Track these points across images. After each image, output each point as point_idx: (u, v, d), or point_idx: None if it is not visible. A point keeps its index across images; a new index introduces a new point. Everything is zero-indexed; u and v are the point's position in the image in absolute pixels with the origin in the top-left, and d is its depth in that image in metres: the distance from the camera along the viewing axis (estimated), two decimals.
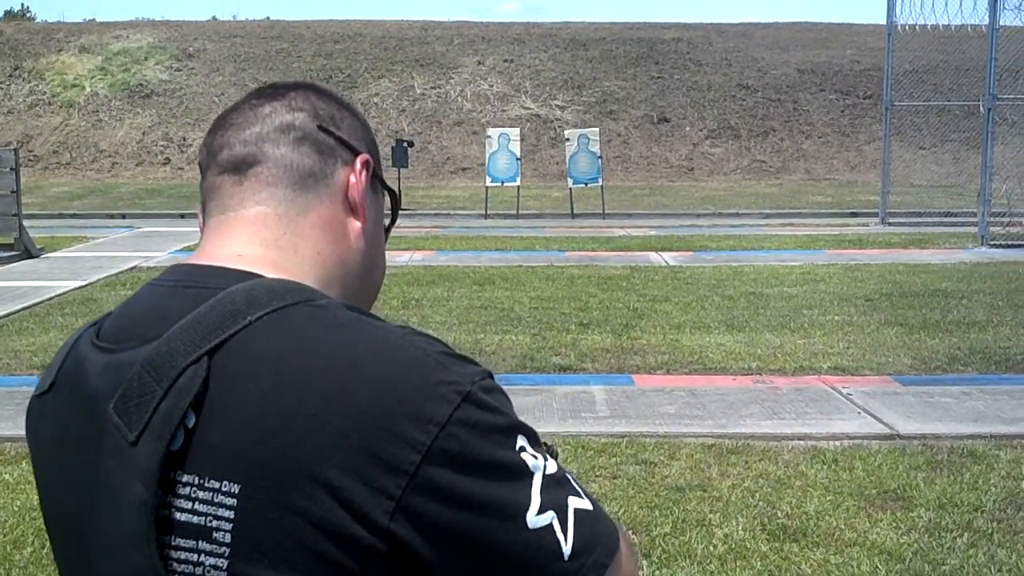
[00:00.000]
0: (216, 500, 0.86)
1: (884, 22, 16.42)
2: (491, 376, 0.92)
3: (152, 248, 13.08)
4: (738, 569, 3.74)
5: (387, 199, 1.16)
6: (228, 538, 0.85)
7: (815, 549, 3.91)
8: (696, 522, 4.17)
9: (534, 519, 0.87)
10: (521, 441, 0.90)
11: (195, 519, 0.86)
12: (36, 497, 4.19)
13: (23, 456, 4.90)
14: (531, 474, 0.89)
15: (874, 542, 3.97)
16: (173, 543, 0.87)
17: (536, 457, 0.90)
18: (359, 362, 0.88)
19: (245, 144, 1.04)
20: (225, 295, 0.93)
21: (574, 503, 0.91)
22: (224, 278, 0.97)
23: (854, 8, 58.26)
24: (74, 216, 17.53)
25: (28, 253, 12.14)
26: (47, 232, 14.09)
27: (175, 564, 0.87)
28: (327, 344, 0.89)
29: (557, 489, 0.90)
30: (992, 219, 13.29)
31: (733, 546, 3.93)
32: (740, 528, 4.10)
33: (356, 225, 1.07)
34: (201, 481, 0.86)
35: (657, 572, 3.71)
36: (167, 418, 0.87)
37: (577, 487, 0.92)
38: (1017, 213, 13.62)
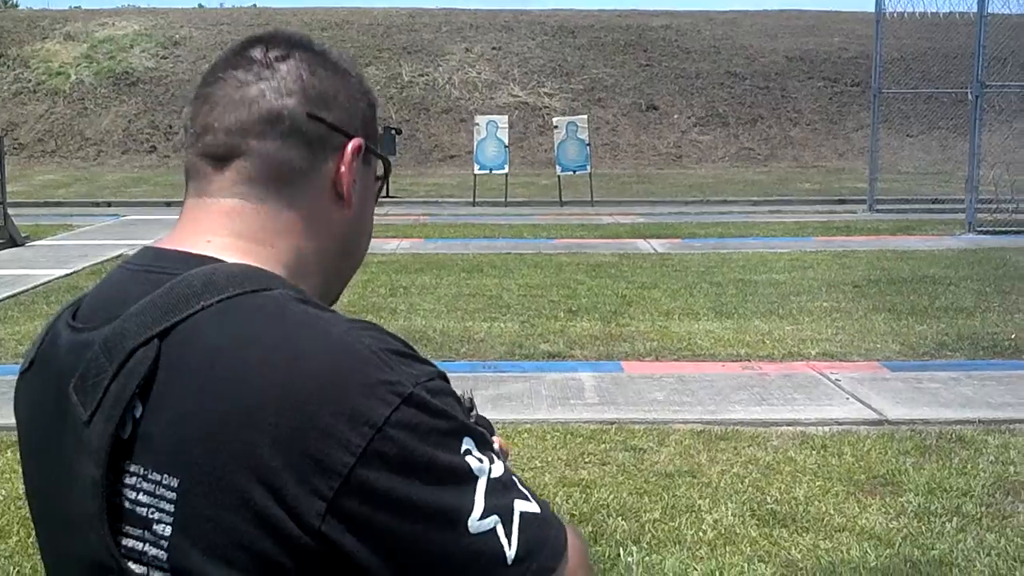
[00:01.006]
0: (158, 493, 0.85)
1: (872, 9, 16.41)
2: (442, 377, 0.89)
3: (138, 236, 12.99)
4: (728, 554, 3.74)
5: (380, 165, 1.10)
6: (168, 531, 0.85)
7: (804, 534, 3.91)
8: (685, 508, 4.16)
9: (476, 524, 0.85)
10: (466, 444, 0.87)
11: (139, 509, 0.86)
12: (21, 487, 4.15)
13: (7, 445, 4.87)
14: (475, 478, 0.86)
15: (863, 527, 3.97)
16: (124, 530, 0.87)
17: (482, 460, 0.87)
18: (297, 357, 0.85)
19: (228, 134, 0.99)
20: (183, 278, 0.91)
21: (520, 506, 0.88)
22: (187, 264, 0.95)
23: None
24: (59, 204, 17.42)
25: (13, 241, 12.07)
26: (32, 220, 14.01)
27: (125, 550, 0.87)
28: (268, 337, 0.87)
29: (503, 493, 0.87)
30: (979, 206, 13.32)
31: (723, 531, 3.93)
32: (729, 513, 4.09)
33: (342, 214, 1.03)
34: (145, 472, 0.86)
35: (647, 558, 3.70)
36: (116, 400, 0.87)
37: (524, 490, 0.90)
38: (1004, 200, 13.66)
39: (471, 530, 0.85)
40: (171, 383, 0.86)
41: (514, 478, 0.90)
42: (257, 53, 1.01)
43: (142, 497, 0.86)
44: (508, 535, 0.86)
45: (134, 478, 0.86)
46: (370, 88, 1.08)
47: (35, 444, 0.99)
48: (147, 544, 0.86)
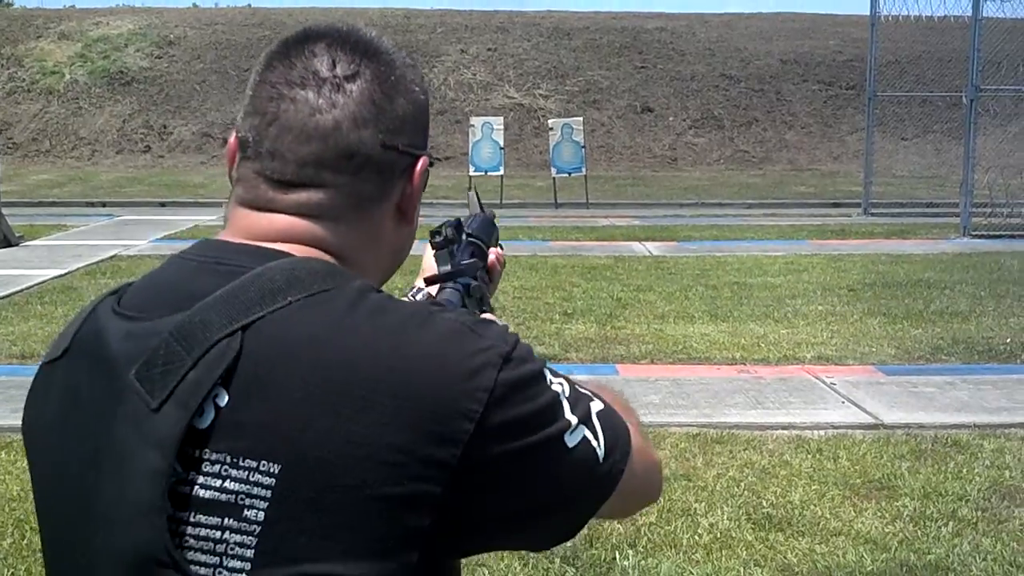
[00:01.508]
0: (252, 479, 0.85)
1: (867, 13, 16.45)
2: (510, 331, 0.96)
3: (133, 236, 12.97)
4: (723, 558, 3.74)
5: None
6: (261, 516, 0.85)
7: (800, 538, 3.91)
8: (681, 511, 4.16)
9: (570, 438, 0.94)
10: (549, 376, 0.96)
11: (223, 496, 0.86)
12: (15, 488, 4.12)
13: (2, 447, 4.85)
14: (563, 402, 0.95)
15: (859, 531, 3.97)
16: (192, 519, 0.86)
17: (561, 384, 0.96)
18: (400, 341, 0.90)
19: (302, 166, 0.98)
20: (264, 271, 0.92)
21: (593, 408, 0.98)
22: (262, 258, 0.95)
23: None
24: (53, 204, 17.37)
25: (7, 241, 12.03)
26: (26, 220, 13.95)
27: (191, 540, 0.86)
28: (367, 326, 0.90)
29: (579, 403, 0.97)
30: (974, 210, 13.33)
31: (718, 535, 3.93)
32: (725, 517, 4.09)
33: (402, 229, 1.07)
34: (235, 460, 0.86)
35: (643, 562, 3.70)
36: (195, 389, 0.86)
37: (587, 392, 1.00)
38: (999, 204, 13.68)
39: (569, 445, 0.94)
40: (266, 371, 0.87)
41: (577, 385, 1.00)
42: (324, 68, 0.99)
43: (229, 484, 0.86)
44: (596, 436, 0.96)
45: (218, 466, 0.86)
46: (423, 78, 1.09)
47: (66, 438, 0.96)
48: (228, 531, 0.86)
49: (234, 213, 1.01)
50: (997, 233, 13.01)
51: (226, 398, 0.87)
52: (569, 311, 8.16)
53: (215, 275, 0.93)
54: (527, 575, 3.58)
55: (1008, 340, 7.14)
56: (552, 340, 7.12)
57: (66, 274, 9.97)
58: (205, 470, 0.86)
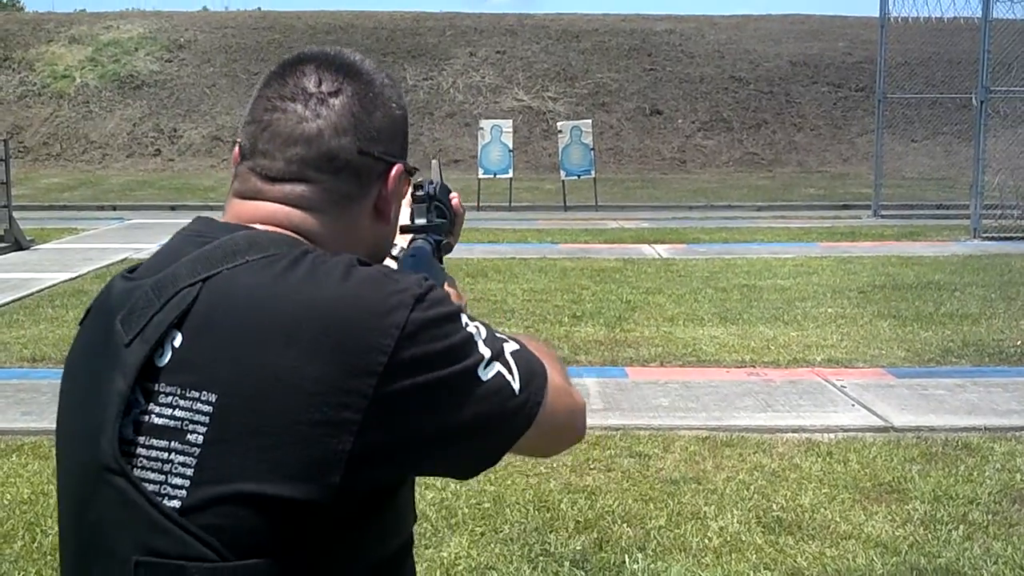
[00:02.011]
0: (195, 407, 0.99)
1: (877, 14, 16.39)
2: (428, 278, 1.08)
3: (143, 240, 13.00)
4: (733, 562, 3.73)
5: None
6: (200, 440, 0.98)
7: (810, 542, 3.90)
8: (691, 515, 4.15)
9: (483, 371, 1.05)
10: (464, 319, 1.08)
11: (172, 423, 0.99)
12: (26, 491, 4.14)
13: (13, 450, 4.86)
14: (476, 341, 1.06)
15: (869, 535, 3.96)
16: (146, 443, 1.00)
17: (477, 327, 1.08)
18: (322, 287, 1.02)
19: (288, 163, 1.13)
20: (232, 236, 1.09)
21: (508, 348, 1.10)
22: (233, 231, 1.11)
23: (847, 0, 58.22)
24: (64, 208, 17.44)
25: (18, 245, 12.08)
26: (37, 224, 14.00)
27: (144, 460, 1.00)
28: (299, 277, 1.03)
29: (493, 341, 1.09)
30: (984, 212, 13.28)
31: (728, 539, 3.92)
32: (735, 521, 4.08)
33: (379, 227, 1.20)
34: (183, 391, 1.00)
35: (652, 565, 3.70)
36: (157, 327, 1.02)
37: (503, 336, 1.12)
38: (1009, 206, 13.63)
39: (483, 378, 1.05)
40: (212, 317, 1.02)
41: (494, 330, 1.12)
42: (311, 85, 1.14)
43: (177, 412, 1.00)
44: (510, 371, 1.07)
45: (169, 397, 1.00)
46: (402, 96, 1.23)
47: (76, 372, 1.12)
48: (172, 452, 0.99)
49: (229, 203, 1.17)
50: (1007, 235, 12.96)
51: (180, 339, 1.01)
52: (578, 313, 8.15)
53: (197, 245, 1.09)
54: None
55: (1019, 342, 7.12)
56: (561, 343, 7.12)
57: (76, 277, 10.01)
58: (160, 401, 1.00)
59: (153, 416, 1.00)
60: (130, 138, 25.32)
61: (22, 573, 3.69)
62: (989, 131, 13.50)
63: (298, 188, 1.13)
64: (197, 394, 0.99)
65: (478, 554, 3.80)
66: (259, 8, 36.10)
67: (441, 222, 1.56)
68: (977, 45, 13.41)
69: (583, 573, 3.64)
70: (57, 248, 12.40)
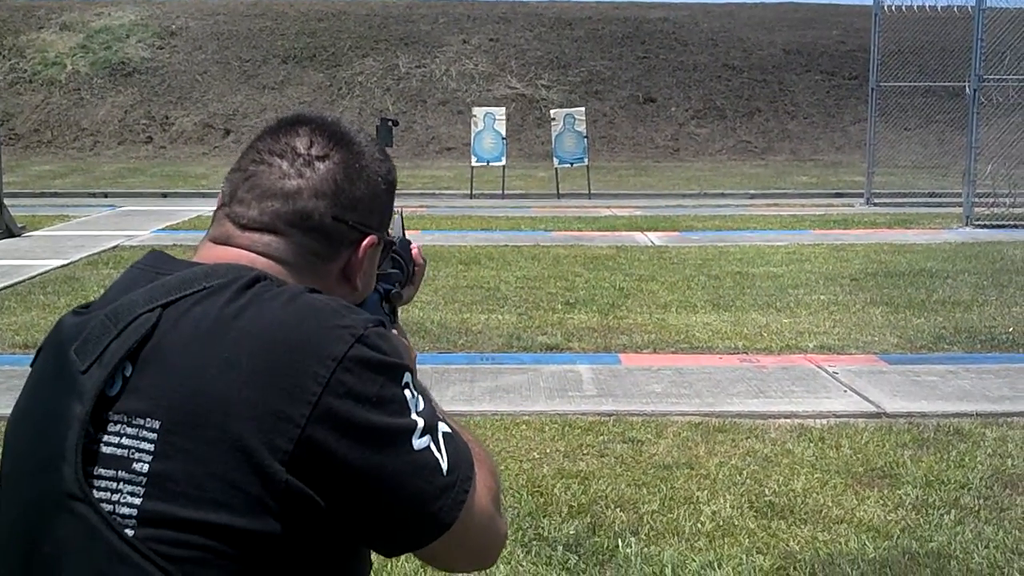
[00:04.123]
0: (140, 435, 0.99)
1: (870, 3, 16.39)
2: (383, 324, 1.08)
3: (134, 227, 12.98)
4: (726, 546, 3.74)
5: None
6: (146, 468, 0.98)
7: (803, 526, 3.91)
8: (684, 500, 4.16)
9: (416, 441, 1.04)
10: (406, 378, 1.06)
11: (119, 452, 1.00)
12: None
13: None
14: (412, 407, 1.05)
15: (861, 519, 3.97)
16: (95, 472, 1.00)
17: (415, 393, 1.07)
18: (265, 314, 1.03)
19: (262, 213, 1.15)
20: (190, 268, 1.10)
21: (441, 427, 1.08)
22: (190, 266, 1.12)
23: None
24: (56, 195, 17.38)
25: (9, 232, 12.03)
26: (28, 211, 13.95)
27: (95, 491, 0.99)
28: (245, 304, 1.04)
29: (431, 416, 1.07)
30: (977, 199, 13.31)
31: (721, 523, 3.93)
32: (728, 506, 4.09)
33: (345, 290, 1.20)
34: (129, 420, 1.00)
35: (645, 549, 3.71)
36: (115, 353, 1.02)
37: (442, 416, 1.10)
38: (1001, 194, 13.66)
39: (415, 447, 1.03)
40: (160, 344, 1.02)
41: (432, 405, 1.10)
42: (301, 146, 1.17)
43: (124, 440, 1.00)
44: (439, 450, 1.06)
45: (118, 426, 1.00)
46: (392, 171, 1.25)
47: (29, 406, 1.11)
48: (121, 483, 0.99)
49: (200, 246, 1.19)
50: (999, 223, 13.00)
51: (130, 369, 1.02)
52: (571, 301, 8.16)
53: (151, 279, 1.10)
54: (530, 562, 3.59)
55: (1010, 329, 7.14)
56: (555, 330, 7.12)
57: (68, 264, 9.98)
58: (109, 430, 1.00)
59: (102, 445, 1.00)
60: (121, 125, 25.23)
61: None
62: (982, 119, 13.52)
63: (266, 237, 1.14)
64: (142, 422, 0.99)
65: None
66: None
67: (393, 272, 1.56)
68: (970, 34, 13.43)
69: (576, 557, 3.65)
70: (49, 235, 12.36)
